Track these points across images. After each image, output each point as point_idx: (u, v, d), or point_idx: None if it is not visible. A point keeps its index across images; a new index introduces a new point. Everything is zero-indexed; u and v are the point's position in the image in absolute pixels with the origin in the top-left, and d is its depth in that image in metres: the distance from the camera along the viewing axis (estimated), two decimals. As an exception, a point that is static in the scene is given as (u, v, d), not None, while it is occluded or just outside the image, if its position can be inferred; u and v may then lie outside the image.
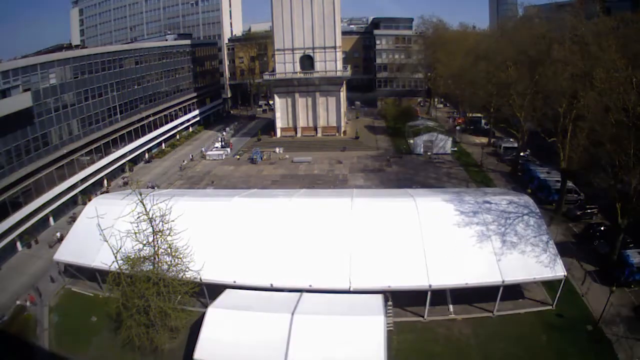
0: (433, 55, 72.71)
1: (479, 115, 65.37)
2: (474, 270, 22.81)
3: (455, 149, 55.44)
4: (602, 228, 31.62)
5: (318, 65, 60.96)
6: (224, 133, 68.16)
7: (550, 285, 24.39)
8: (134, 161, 55.35)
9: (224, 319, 19.58)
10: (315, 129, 63.91)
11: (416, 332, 22.01)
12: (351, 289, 22.28)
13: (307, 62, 61.56)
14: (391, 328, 21.60)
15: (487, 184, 43.34)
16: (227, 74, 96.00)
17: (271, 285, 22.90)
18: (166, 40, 75.03)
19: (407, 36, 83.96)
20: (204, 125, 77.25)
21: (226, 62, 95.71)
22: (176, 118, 68.13)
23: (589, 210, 35.33)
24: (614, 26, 32.29)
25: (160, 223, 19.80)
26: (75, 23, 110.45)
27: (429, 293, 22.55)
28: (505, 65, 44.02)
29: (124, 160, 52.31)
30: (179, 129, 68.66)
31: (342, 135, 63.70)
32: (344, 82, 64.40)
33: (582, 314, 23.29)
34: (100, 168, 46.97)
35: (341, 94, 63.71)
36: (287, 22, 59.88)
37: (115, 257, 19.64)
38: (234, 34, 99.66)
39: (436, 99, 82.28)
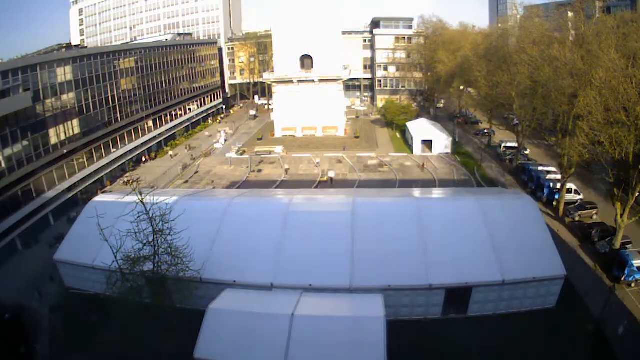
0: (433, 54, 72.76)
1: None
2: (473, 269, 22.81)
3: (457, 142, 55.52)
4: (601, 228, 31.63)
5: (318, 65, 60.89)
6: (224, 132, 68.16)
7: (550, 284, 24.34)
8: (134, 161, 55.38)
9: (224, 318, 19.55)
10: (316, 128, 63.89)
11: (415, 331, 22.00)
12: (351, 288, 22.31)
13: (307, 61, 61.53)
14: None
15: (486, 184, 43.38)
16: (227, 73, 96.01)
17: (271, 284, 22.91)
18: (166, 39, 75.08)
19: (407, 36, 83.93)
20: (204, 125, 77.26)
21: (226, 62, 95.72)
22: (176, 118, 68.30)
23: (588, 210, 35.35)
24: (613, 25, 32.30)
25: (161, 223, 19.79)
26: (75, 22, 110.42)
27: (429, 293, 22.56)
28: (505, 65, 44.07)
29: (124, 160, 52.36)
30: (178, 128, 68.71)
31: (342, 134, 63.72)
32: (344, 81, 64.38)
33: (582, 314, 23.28)
34: (101, 168, 47.02)
35: (341, 93, 63.72)
36: (287, 22, 59.85)
37: (115, 256, 19.63)
38: (233, 33, 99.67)
39: (436, 99, 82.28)
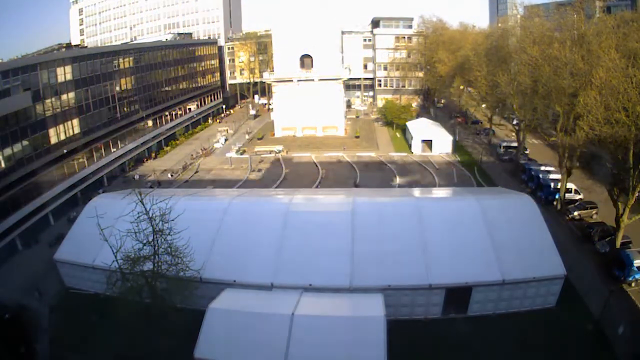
0: (433, 54, 72.78)
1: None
2: (473, 269, 22.81)
3: (457, 142, 55.54)
4: (601, 227, 31.60)
5: (318, 64, 60.85)
6: (224, 132, 68.14)
7: (550, 284, 24.33)
8: (134, 160, 55.35)
9: (224, 318, 19.56)
10: (316, 128, 63.89)
11: (415, 331, 22.01)
12: (351, 288, 22.30)
13: (307, 61, 61.50)
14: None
15: (486, 183, 43.36)
16: (227, 72, 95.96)
17: (271, 284, 22.91)
18: (166, 39, 75.07)
19: (407, 35, 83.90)
20: (204, 124, 77.21)
21: (226, 61, 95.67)
22: (176, 117, 68.24)
23: (588, 210, 35.32)
24: (614, 25, 32.28)
25: (160, 222, 19.79)
26: (75, 22, 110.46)
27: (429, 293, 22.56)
28: (505, 64, 44.07)
29: (124, 160, 52.33)
30: (178, 128, 68.67)
31: (342, 134, 63.71)
32: (344, 81, 64.38)
33: (582, 313, 23.27)
34: (101, 167, 46.99)
35: (341, 93, 63.71)
36: (287, 21, 59.83)
37: (115, 256, 19.64)
38: (233, 32, 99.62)
39: (436, 98, 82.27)
